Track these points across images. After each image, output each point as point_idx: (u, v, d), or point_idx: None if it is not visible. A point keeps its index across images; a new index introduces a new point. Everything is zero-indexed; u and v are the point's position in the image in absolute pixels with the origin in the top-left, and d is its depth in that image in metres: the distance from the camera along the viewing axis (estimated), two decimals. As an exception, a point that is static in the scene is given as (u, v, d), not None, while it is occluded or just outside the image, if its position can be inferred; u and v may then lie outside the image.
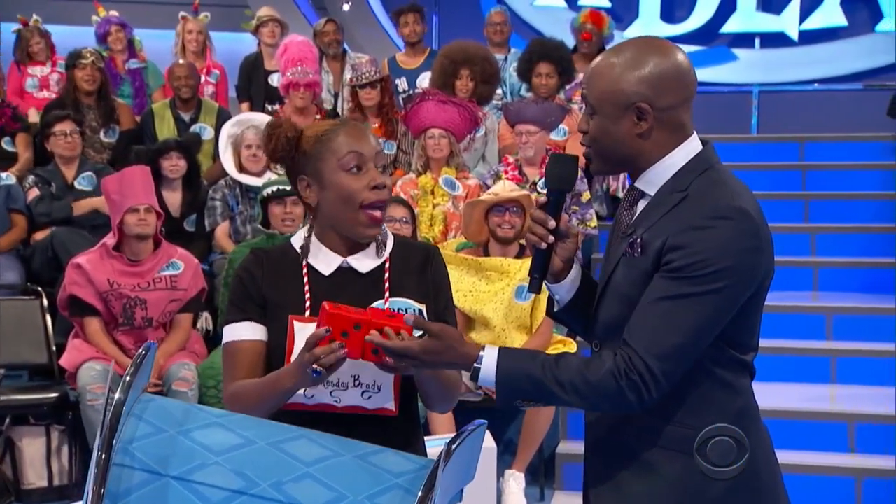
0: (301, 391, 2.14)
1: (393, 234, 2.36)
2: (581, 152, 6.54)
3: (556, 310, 2.22)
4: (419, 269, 2.29)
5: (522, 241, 5.29)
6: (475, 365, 1.99)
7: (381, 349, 2.00)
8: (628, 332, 1.97)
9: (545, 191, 2.14)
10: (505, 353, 2.00)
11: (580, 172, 6.15)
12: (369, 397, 2.16)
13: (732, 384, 2.03)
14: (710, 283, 1.92)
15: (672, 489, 2.02)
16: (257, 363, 2.23)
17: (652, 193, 2.05)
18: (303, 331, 2.15)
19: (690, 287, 1.92)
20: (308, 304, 2.21)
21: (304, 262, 2.25)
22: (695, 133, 2.07)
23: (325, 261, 2.25)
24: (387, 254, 2.28)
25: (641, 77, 2.00)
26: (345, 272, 2.25)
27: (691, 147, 2.06)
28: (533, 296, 4.97)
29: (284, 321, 2.19)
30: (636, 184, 2.09)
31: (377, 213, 2.20)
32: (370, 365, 2.12)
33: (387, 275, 2.26)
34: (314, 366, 2.00)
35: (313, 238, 2.29)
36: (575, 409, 2.09)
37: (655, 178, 2.05)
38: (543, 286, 2.17)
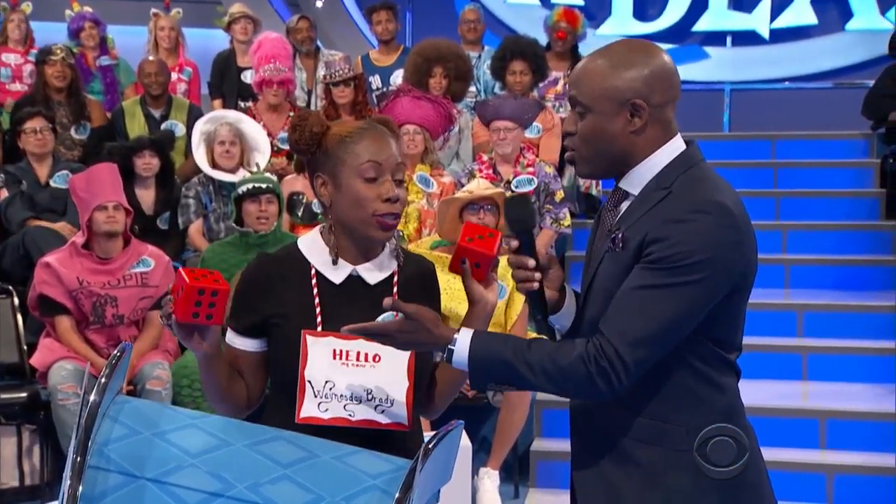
0: (316, 405, 2.14)
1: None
2: (554, 150, 6.54)
3: (559, 339, 2.22)
4: (423, 283, 2.31)
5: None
6: (449, 346, 2.02)
7: None
8: (603, 320, 1.98)
9: (514, 234, 2.16)
10: (478, 337, 2.02)
11: (553, 171, 6.17)
12: (382, 411, 2.16)
13: (717, 382, 2.04)
14: (686, 275, 1.93)
15: (660, 486, 2.03)
16: (244, 369, 2.25)
17: (636, 193, 2.07)
18: (315, 345, 2.16)
19: (666, 277, 1.93)
20: (319, 316, 2.19)
21: (314, 271, 2.23)
22: (679, 133, 2.09)
23: (335, 268, 2.24)
24: (395, 265, 2.28)
25: (635, 74, 2.02)
26: (354, 281, 2.24)
27: (675, 146, 2.07)
28: (507, 294, 4.98)
29: (292, 332, 2.18)
30: (620, 184, 2.10)
31: (390, 221, 2.19)
32: (383, 378, 2.16)
33: (395, 288, 2.26)
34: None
35: (323, 243, 2.27)
36: (550, 395, 2.10)
37: (639, 178, 2.06)
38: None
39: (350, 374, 2.15)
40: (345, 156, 2.18)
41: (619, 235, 2.02)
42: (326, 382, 2.14)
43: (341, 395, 2.14)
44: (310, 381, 2.14)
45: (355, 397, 2.15)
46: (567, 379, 1.96)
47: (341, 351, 2.16)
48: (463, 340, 2.01)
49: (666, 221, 1.95)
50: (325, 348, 2.15)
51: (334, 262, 2.23)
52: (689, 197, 1.98)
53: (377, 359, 2.16)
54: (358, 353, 2.16)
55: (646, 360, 1.96)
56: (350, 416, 2.14)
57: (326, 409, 2.14)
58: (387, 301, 2.00)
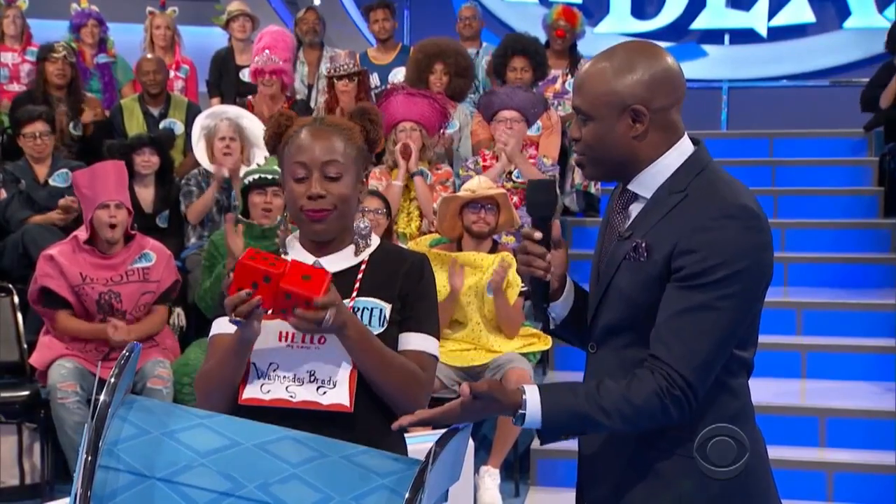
0: (258, 386, 2.16)
1: (382, 238, 2.38)
2: (554, 148, 6.54)
3: (552, 327, 2.21)
4: (400, 274, 2.29)
5: (496, 237, 5.30)
6: (520, 411, 1.97)
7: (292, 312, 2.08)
8: (658, 347, 1.96)
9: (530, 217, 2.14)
10: (546, 393, 1.98)
11: (551, 163, 6.17)
12: (324, 393, 2.16)
13: (731, 386, 2.04)
14: (728, 287, 1.92)
15: (669, 491, 2.02)
16: None
17: (647, 196, 2.05)
18: (263, 327, 2.17)
19: (710, 294, 1.93)
20: None
21: None
22: (686, 133, 2.08)
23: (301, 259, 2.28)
24: (365, 256, 2.30)
25: (636, 80, 2.00)
26: None
27: (684, 147, 2.06)
28: (503, 288, 4.98)
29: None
30: (629, 186, 2.09)
31: (316, 214, 2.23)
32: (326, 360, 2.16)
33: (360, 275, 2.27)
34: (232, 316, 2.07)
35: (291, 237, 2.35)
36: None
37: (651, 180, 2.05)
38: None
39: (294, 355, 2.18)
40: (284, 156, 2.28)
41: (642, 245, 2.00)
42: (270, 364, 2.18)
43: (284, 377, 2.17)
44: (254, 364, 2.19)
45: (297, 379, 2.17)
46: (643, 415, 1.95)
47: (288, 333, 2.19)
48: (532, 402, 1.96)
49: (694, 230, 1.94)
50: (271, 331, 2.19)
51: (283, 249, 2.32)
52: (710, 201, 1.97)
53: (322, 341, 2.17)
54: (304, 336, 2.19)
55: (709, 379, 1.97)
56: (291, 397, 2.16)
57: (268, 391, 2.17)
58: (463, 388, 1.97)
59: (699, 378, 1.94)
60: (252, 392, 2.17)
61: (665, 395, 1.93)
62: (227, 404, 2.19)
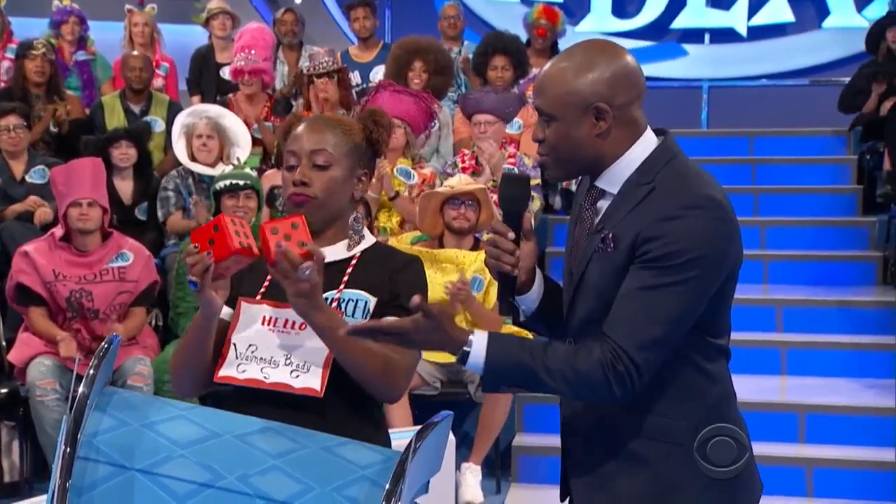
0: (235, 366, 2.18)
1: (379, 240, 2.41)
2: (535, 145, 6.56)
3: (522, 319, 2.21)
4: (391, 271, 2.31)
5: (477, 234, 5.31)
6: (464, 349, 1.97)
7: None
8: (609, 324, 1.97)
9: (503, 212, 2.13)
10: (494, 339, 1.98)
11: (532, 162, 6.18)
12: (297, 376, 2.18)
13: (710, 371, 2.06)
14: (685, 272, 1.93)
15: (654, 478, 2.03)
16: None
17: (614, 192, 2.06)
18: (248, 311, 2.23)
19: (666, 277, 1.93)
20: (265, 287, 2.29)
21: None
22: (648, 128, 2.09)
23: None
24: (357, 251, 2.33)
25: (596, 78, 2.01)
26: None
27: (648, 141, 2.07)
28: (485, 286, 4.99)
29: (235, 301, 2.26)
30: (597, 183, 2.09)
31: (297, 199, 2.27)
32: (303, 345, 2.17)
33: (349, 269, 2.29)
34: (189, 278, 2.10)
35: None
36: (553, 396, 2.06)
37: (617, 175, 2.06)
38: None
39: (273, 339, 2.21)
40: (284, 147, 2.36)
41: (609, 235, 2.01)
42: (250, 346, 2.21)
43: (261, 359, 2.20)
44: (235, 344, 2.21)
45: (273, 361, 2.19)
46: (584, 384, 1.96)
47: (271, 318, 2.22)
48: (479, 343, 1.97)
49: (659, 219, 1.95)
50: (256, 314, 2.23)
51: None
52: (677, 192, 1.98)
53: (303, 327, 2.19)
54: (286, 321, 2.21)
55: (656, 361, 1.96)
56: (265, 378, 2.18)
57: (244, 371, 2.19)
58: (415, 299, 1.96)
59: (644, 358, 1.94)
60: (228, 371, 2.20)
61: (609, 369, 1.93)
62: (195, 382, 2.25)
